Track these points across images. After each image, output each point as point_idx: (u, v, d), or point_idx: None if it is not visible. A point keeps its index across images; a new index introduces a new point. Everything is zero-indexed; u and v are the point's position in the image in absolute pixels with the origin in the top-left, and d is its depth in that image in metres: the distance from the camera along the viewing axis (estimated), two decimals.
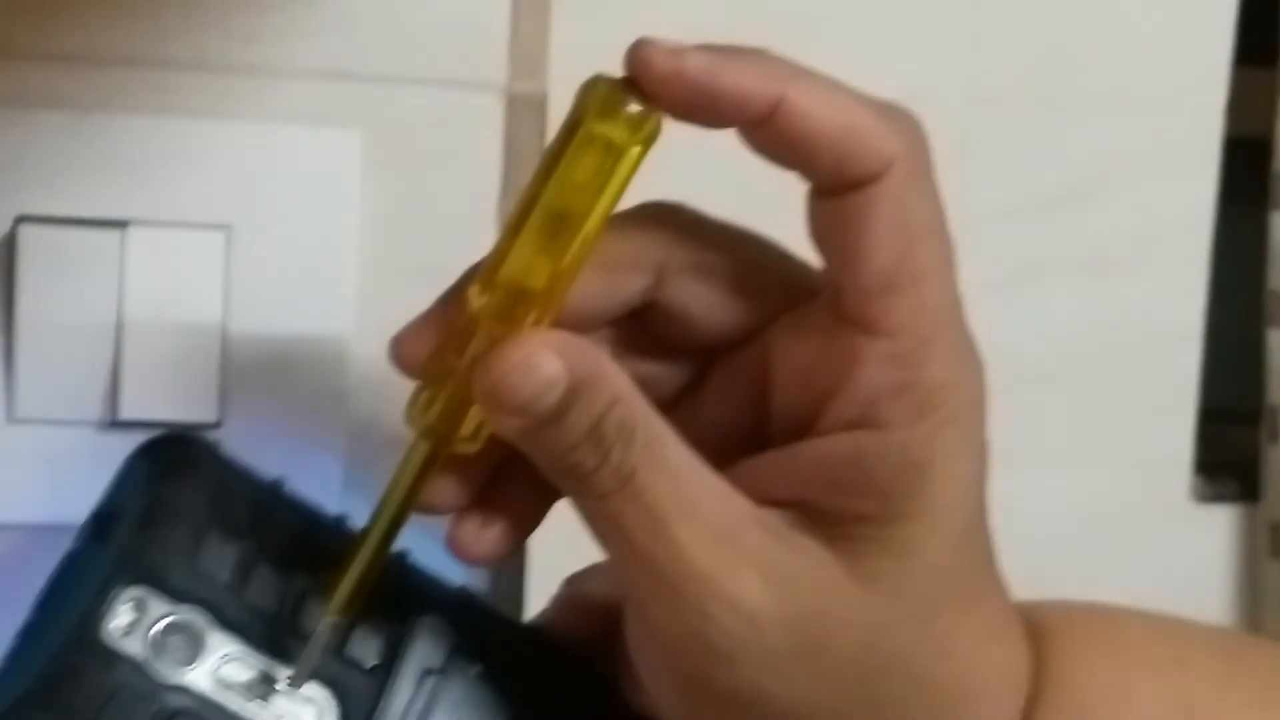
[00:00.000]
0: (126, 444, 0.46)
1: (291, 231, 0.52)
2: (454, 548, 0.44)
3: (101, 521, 0.44)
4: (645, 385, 0.43)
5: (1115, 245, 0.60)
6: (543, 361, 0.40)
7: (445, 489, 0.43)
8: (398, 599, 0.45)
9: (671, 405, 0.45)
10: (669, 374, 0.45)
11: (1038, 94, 0.59)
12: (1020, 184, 0.59)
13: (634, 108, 0.40)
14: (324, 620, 0.43)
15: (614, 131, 0.40)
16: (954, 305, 0.42)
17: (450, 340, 0.42)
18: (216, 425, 0.51)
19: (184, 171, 0.51)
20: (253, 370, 0.52)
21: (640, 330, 0.44)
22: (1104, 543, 0.61)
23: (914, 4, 0.57)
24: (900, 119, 0.41)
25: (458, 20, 0.53)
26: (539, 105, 0.53)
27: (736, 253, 0.44)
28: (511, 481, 0.44)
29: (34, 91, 0.50)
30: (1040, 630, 0.45)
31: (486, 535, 0.44)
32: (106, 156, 0.51)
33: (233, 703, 0.43)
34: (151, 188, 0.51)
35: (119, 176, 0.51)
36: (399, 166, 0.53)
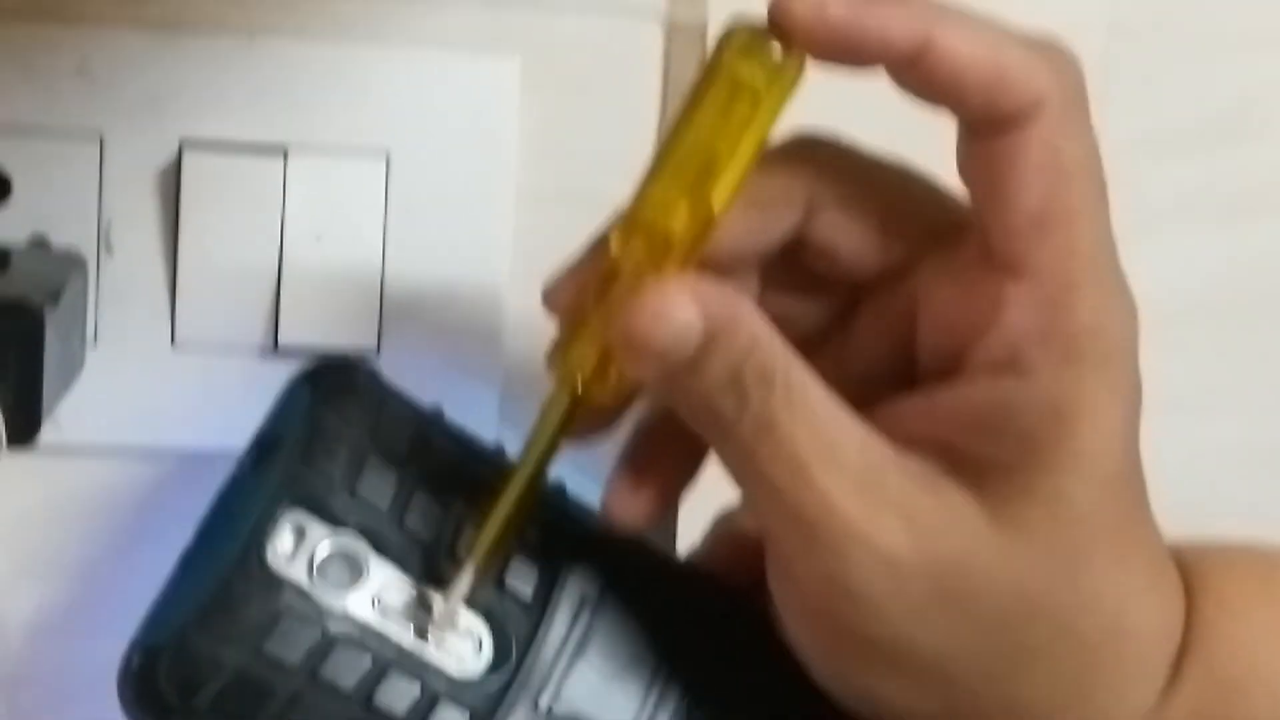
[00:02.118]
0: (286, 370, 0.46)
1: (450, 159, 0.52)
2: (608, 513, 0.44)
3: (263, 447, 0.44)
4: (793, 322, 0.43)
5: (1261, 184, 0.59)
6: (678, 307, 0.40)
7: (590, 428, 0.43)
8: (554, 532, 0.45)
9: (820, 342, 0.45)
10: (817, 310, 0.45)
11: (1181, 29, 0.57)
12: (1164, 120, 0.58)
13: (776, 52, 0.40)
14: (466, 569, 0.43)
15: (755, 76, 0.40)
16: (1105, 247, 0.41)
17: (593, 286, 0.41)
18: (375, 352, 0.52)
19: (345, 97, 0.51)
20: (411, 298, 0.52)
21: (789, 266, 0.44)
22: (1254, 489, 0.59)
23: None
24: (1052, 55, 0.40)
25: None
26: (699, 33, 0.53)
27: (887, 188, 0.43)
28: (658, 442, 0.44)
29: (197, 16, 0.50)
30: (1194, 576, 0.44)
31: (639, 500, 0.44)
32: (268, 81, 0.51)
33: (392, 630, 0.43)
34: (312, 113, 0.51)
35: (281, 101, 0.51)
36: (558, 94, 0.52)
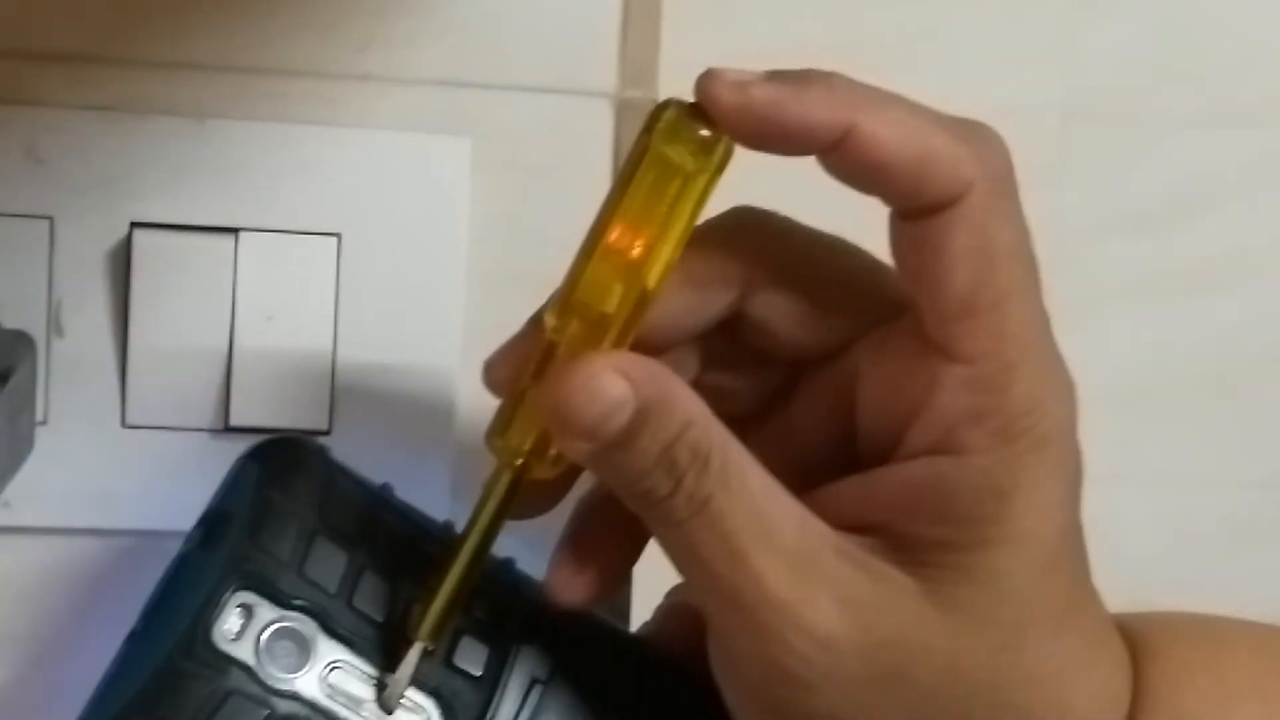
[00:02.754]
0: (237, 451, 0.46)
1: (402, 239, 0.52)
2: (550, 593, 0.44)
3: (211, 525, 0.44)
4: (732, 397, 0.43)
5: (1214, 263, 0.59)
6: (607, 383, 0.40)
7: (533, 504, 0.44)
8: (504, 609, 0.45)
9: (761, 419, 0.45)
10: (757, 386, 0.45)
11: (1133, 110, 0.58)
12: (1117, 201, 0.58)
13: (703, 132, 0.40)
14: (414, 646, 0.43)
15: (682, 156, 0.40)
16: (1038, 328, 0.41)
17: (529, 365, 0.42)
18: (327, 433, 0.52)
19: (296, 178, 0.51)
20: (363, 378, 0.52)
21: (725, 342, 0.44)
22: (1208, 565, 0.60)
23: (1007, 21, 0.57)
24: (979, 140, 0.40)
25: (568, 28, 0.53)
26: (649, 113, 0.53)
27: (824, 266, 0.43)
28: (601, 521, 0.44)
29: (148, 98, 0.50)
30: (1140, 646, 0.44)
31: (581, 580, 0.44)
32: (219, 163, 0.51)
33: (340, 710, 0.43)
34: (263, 195, 0.51)
35: (232, 183, 0.51)
36: (509, 174, 0.53)
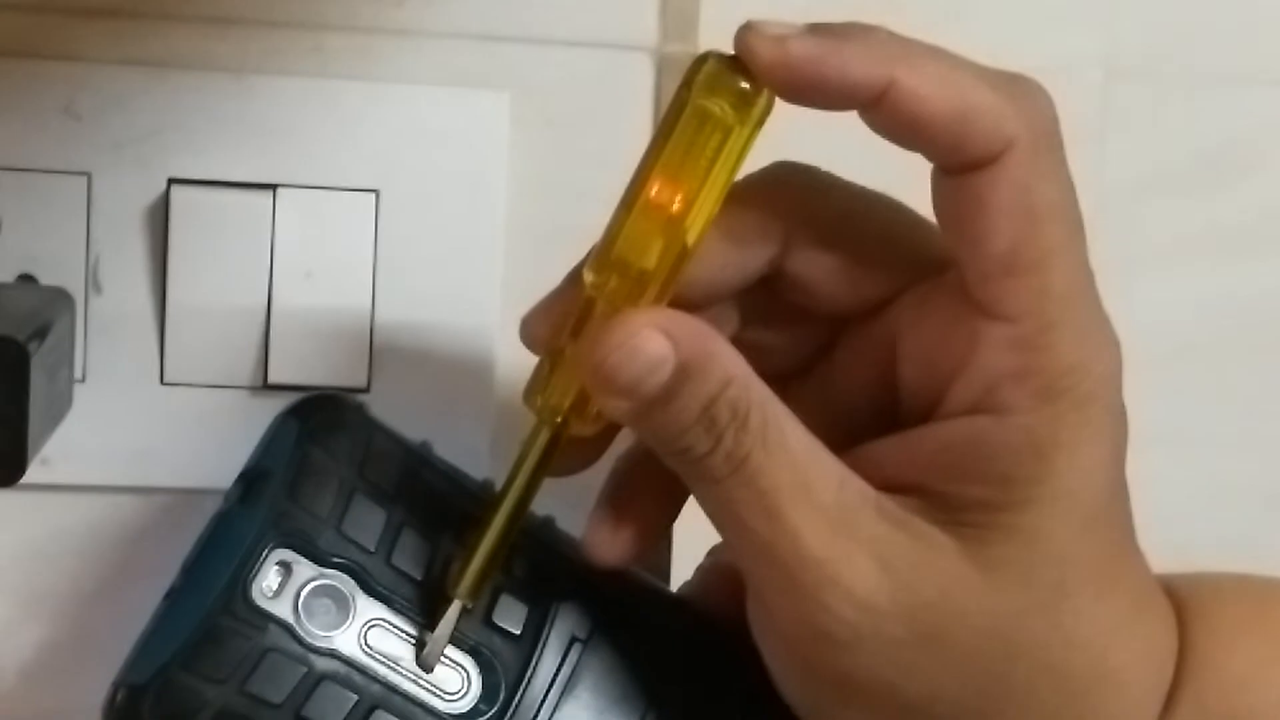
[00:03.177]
0: (276, 408, 0.46)
1: (440, 194, 0.52)
2: (588, 553, 0.44)
3: (250, 482, 0.44)
4: (772, 354, 0.43)
5: (1258, 222, 0.59)
6: (648, 341, 0.39)
7: (572, 461, 0.43)
8: (543, 567, 0.45)
9: (801, 375, 0.44)
10: (797, 343, 0.45)
11: (1177, 68, 0.57)
12: (1159, 160, 0.58)
13: (743, 85, 0.39)
14: (454, 602, 0.43)
15: (722, 109, 0.40)
16: (1082, 286, 0.41)
17: (568, 321, 0.41)
18: (365, 390, 0.51)
19: (334, 134, 0.51)
20: (401, 334, 0.52)
21: (766, 298, 0.43)
22: (1251, 526, 0.59)
23: None
24: (1023, 96, 0.40)
25: None
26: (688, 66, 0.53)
27: (866, 221, 0.43)
28: (639, 480, 0.44)
29: (187, 54, 0.50)
30: (1186, 607, 0.43)
31: (619, 539, 0.44)
32: (258, 119, 0.51)
33: (378, 668, 0.43)
34: (302, 151, 0.51)
35: (270, 139, 0.51)
36: (548, 128, 0.52)
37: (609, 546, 0.44)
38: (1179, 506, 0.57)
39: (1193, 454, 0.58)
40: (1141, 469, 0.56)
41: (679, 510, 0.45)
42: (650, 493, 0.44)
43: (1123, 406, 0.42)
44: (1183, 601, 0.43)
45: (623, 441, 0.45)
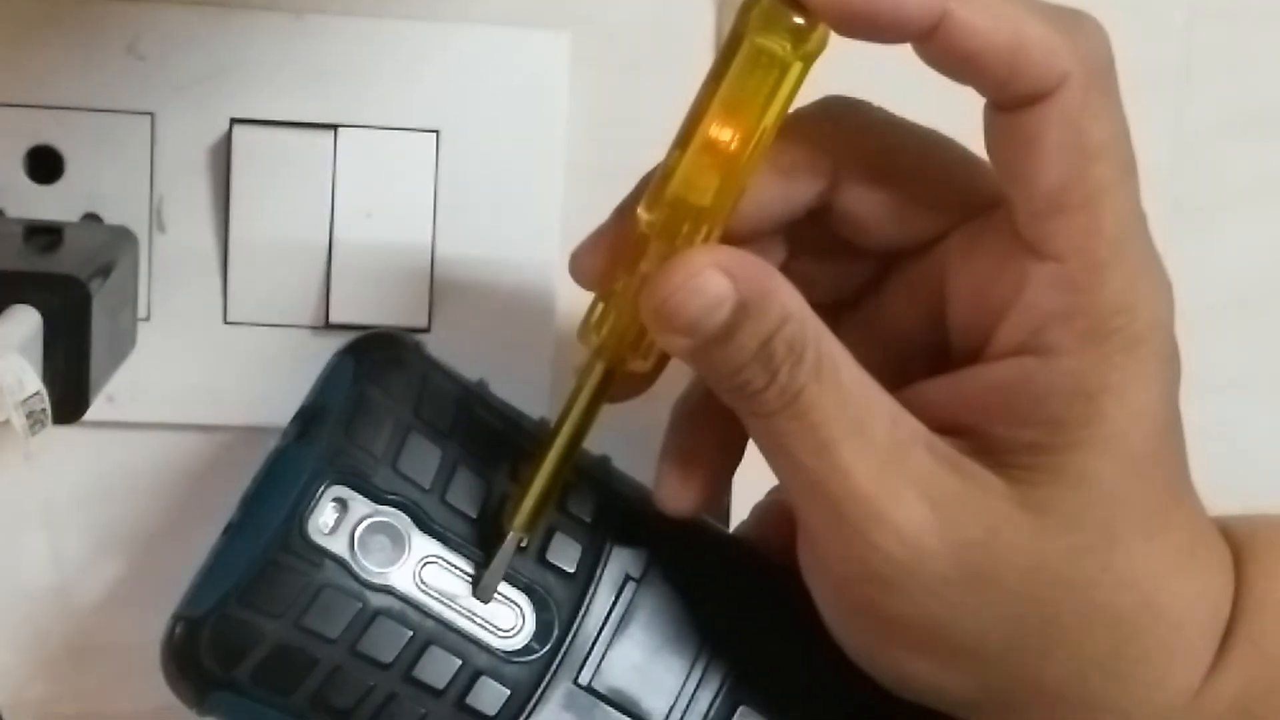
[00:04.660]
0: (337, 347, 0.46)
1: (500, 135, 0.52)
2: (660, 505, 0.44)
3: (307, 420, 0.44)
4: (821, 287, 0.43)
5: None
6: (710, 280, 0.39)
7: (625, 390, 0.43)
8: (599, 505, 0.45)
9: (850, 309, 0.44)
10: (846, 277, 0.44)
11: (1260, 8, 0.56)
12: (1243, 102, 0.57)
13: (797, 20, 0.39)
14: (509, 537, 0.43)
15: (776, 45, 0.39)
16: (1133, 227, 0.40)
17: (622, 257, 0.41)
18: (426, 329, 0.52)
19: (395, 74, 0.51)
20: (462, 274, 0.52)
21: (815, 232, 0.43)
22: None
23: None
24: (1077, 31, 0.39)
25: None
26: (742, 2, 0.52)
27: (917, 157, 0.43)
28: (702, 428, 0.44)
29: None
30: (1243, 548, 0.43)
31: (689, 489, 0.44)
32: (319, 59, 0.51)
33: (433, 604, 0.43)
34: (363, 91, 0.51)
35: (331, 79, 0.51)
36: (608, 68, 0.52)
37: (680, 496, 0.44)
38: (1257, 452, 0.57)
39: (1272, 400, 0.58)
40: (1218, 414, 0.55)
41: (741, 454, 0.45)
42: (713, 439, 0.44)
43: (1175, 348, 0.41)
44: (1240, 543, 0.43)
45: (672, 375, 0.45)
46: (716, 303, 0.39)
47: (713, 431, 0.44)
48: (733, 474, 0.45)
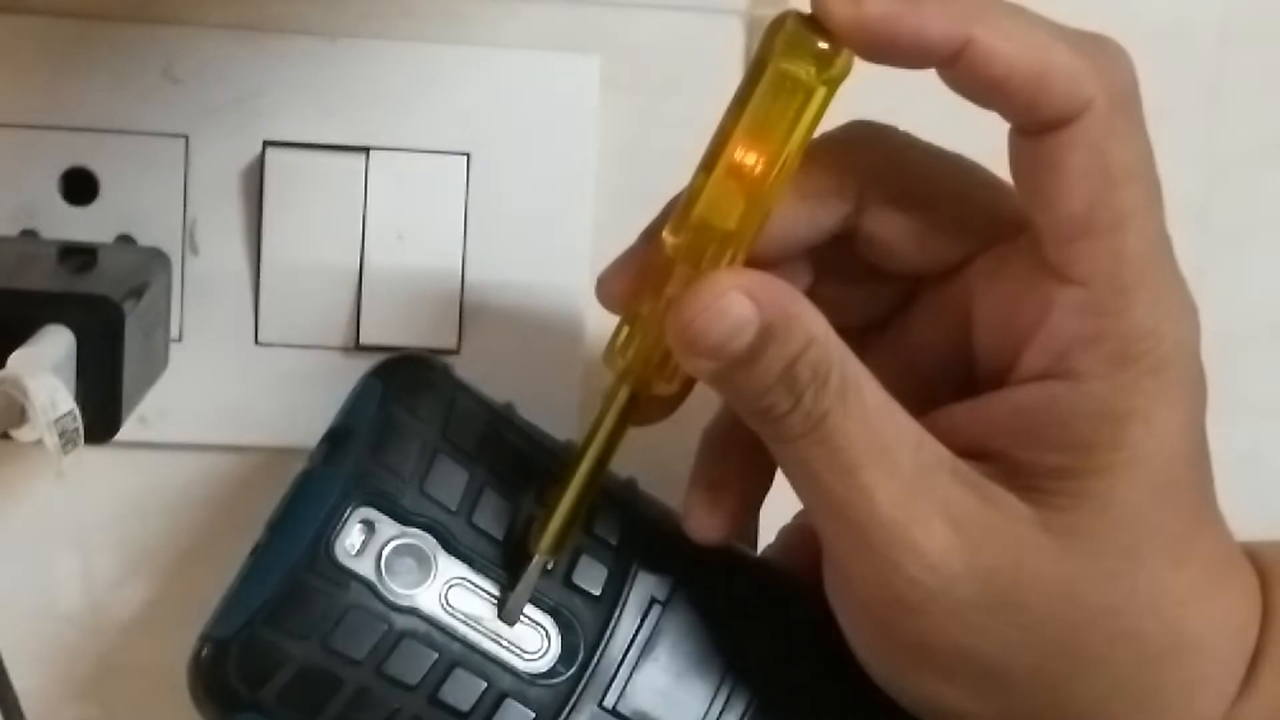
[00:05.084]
0: (367, 368, 0.46)
1: (531, 158, 0.52)
2: (690, 534, 0.44)
3: (335, 441, 0.45)
4: (846, 311, 0.43)
5: None
6: (734, 303, 0.40)
7: (650, 413, 0.43)
8: (625, 528, 0.45)
9: (876, 334, 0.44)
10: (872, 301, 0.45)
11: None
12: (1274, 126, 0.56)
13: (822, 45, 0.39)
14: (535, 559, 0.43)
15: (800, 70, 0.40)
16: (1158, 251, 0.40)
17: (647, 280, 0.42)
18: (455, 352, 0.52)
19: (426, 97, 0.51)
20: (492, 297, 0.52)
21: (839, 256, 0.43)
22: None
23: None
24: (1101, 56, 0.39)
25: None
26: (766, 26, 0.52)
27: (942, 182, 0.43)
28: (729, 455, 0.44)
29: (281, 18, 0.51)
30: (1271, 575, 0.43)
31: (717, 518, 0.44)
32: (351, 82, 0.51)
33: (458, 627, 0.43)
34: (394, 113, 0.51)
35: (363, 102, 0.51)
36: (639, 91, 0.52)
37: (708, 525, 0.44)
38: None
39: None
40: (1256, 440, 0.55)
41: (771, 480, 0.45)
42: (741, 466, 0.44)
43: (1201, 373, 0.41)
44: (1267, 568, 0.43)
45: (698, 402, 0.45)
46: (740, 326, 0.40)
47: (741, 459, 0.44)
48: (761, 502, 0.46)
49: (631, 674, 0.44)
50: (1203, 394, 0.41)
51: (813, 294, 0.42)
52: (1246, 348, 0.55)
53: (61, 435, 0.42)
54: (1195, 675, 0.41)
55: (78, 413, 0.42)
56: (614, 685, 0.44)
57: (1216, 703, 0.42)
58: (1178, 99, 0.54)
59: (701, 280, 0.40)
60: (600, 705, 0.44)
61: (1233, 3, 0.55)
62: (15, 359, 0.42)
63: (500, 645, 0.43)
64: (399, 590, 0.43)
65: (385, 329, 0.51)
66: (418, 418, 0.45)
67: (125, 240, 0.51)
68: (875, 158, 0.42)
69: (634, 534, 0.45)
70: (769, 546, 0.48)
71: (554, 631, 0.44)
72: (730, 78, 0.52)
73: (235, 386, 0.51)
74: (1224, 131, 0.56)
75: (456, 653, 0.43)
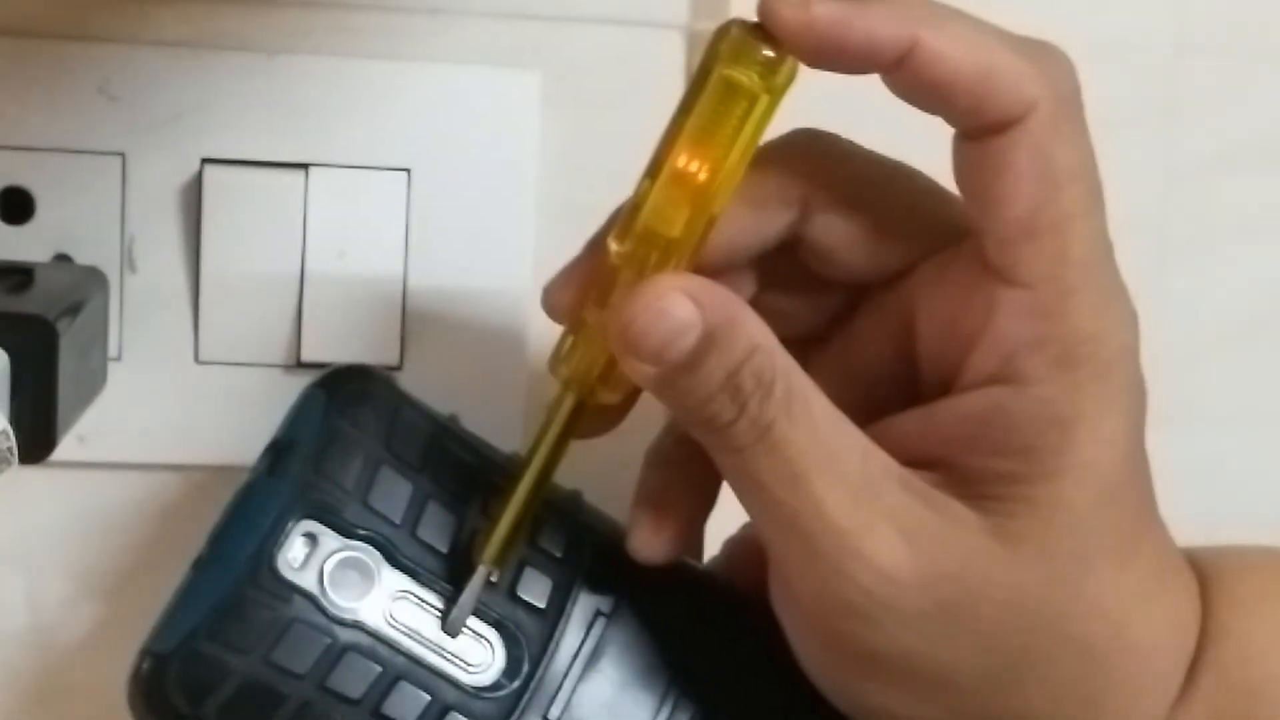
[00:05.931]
0: None
1: (472, 174, 0.52)
2: (634, 554, 0.44)
3: (277, 453, 0.44)
4: (791, 320, 0.43)
5: None
6: (675, 304, 0.39)
7: (595, 424, 0.43)
8: (570, 540, 0.45)
9: (821, 343, 0.44)
10: (816, 310, 0.45)
11: (1247, 44, 0.57)
12: (1230, 137, 0.57)
13: (767, 52, 0.39)
14: (478, 571, 0.43)
15: (744, 77, 0.40)
16: (1100, 254, 0.40)
17: (592, 289, 0.41)
18: (398, 368, 0.52)
19: (366, 113, 0.51)
20: (434, 313, 0.52)
21: (784, 264, 0.43)
22: None
23: None
24: (1045, 59, 0.40)
25: None
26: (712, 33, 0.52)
27: (886, 189, 0.43)
28: (674, 474, 0.44)
29: (218, 34, 0.51)
30: (1210, 579, 0.43)
31: (662, 537, 0.44)
32: (289, 99, 0.51)
33: (402, 640, 0.43)
34: (333, 130, 0.51)
35: (302, 119, 0.51)
36: (579, 107, 0.52)
37: (652, 544, 0.44)
38: (1250, 486, 0.57)
39: (1264, 432, 0.58)
40: (1212, 448, 0.55)
41: (715, 498, 0.45)
42: (684, 484, 0.44)
43: (1141, 378, 0.41)
44: (1206, 572, 0.43)
45: (645, 415, 0.45)
46: (683, 328, 0.39)
47: (684, 477, 0.44)
48: (705, 520, 0.46)
49: (576, 686, 0.44)
50: (1143, 399, 0.41)
51: (757, 304, 0.42)
52: (1203, 356, 0.56)
53: None
54: (1139, 678, 0.41)
55: (11, 432, 0.42)
56: (559, 698, 0.43)
57: (1157, 704, 0.42)
58: (1134, 109, 0.55)
59: (643, 283, 0.40)
60: (545, 718, 0.43)
61: (1188, 14, 0.56)
62: None
63: (444, 658, 0.43)
64: (342, 604, 0.43)
65: (326, 346, 0.51)
66: (361, 429, 0.44)
67: (63, 259, 0.50)
68: (819, 165, 0.43)
69: (579, 546, 0.45)
70: (714, 559, 0.48)
71: (498, 644, 0.44)
72: (671, 92, 0.52)
73: (176, 405, 0.51)
74: (1180, 142, 0.56)
75: (400, 666, 0.43)
